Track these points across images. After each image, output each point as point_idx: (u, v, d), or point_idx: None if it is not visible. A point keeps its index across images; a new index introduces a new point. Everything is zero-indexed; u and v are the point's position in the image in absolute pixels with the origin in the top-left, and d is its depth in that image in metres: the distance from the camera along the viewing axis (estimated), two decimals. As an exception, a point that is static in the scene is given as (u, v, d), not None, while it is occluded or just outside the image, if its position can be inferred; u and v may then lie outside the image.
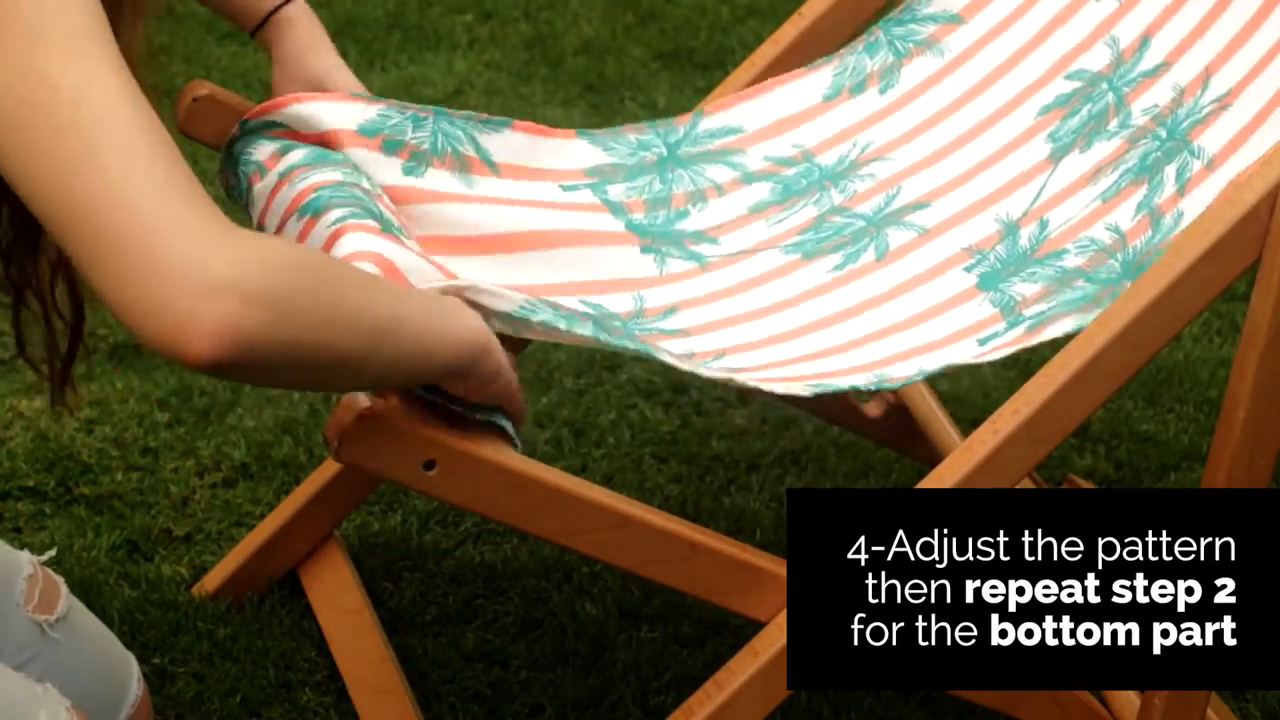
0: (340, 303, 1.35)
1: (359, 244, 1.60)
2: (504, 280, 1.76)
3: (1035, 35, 1.97)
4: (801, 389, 1.65)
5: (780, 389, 1.65)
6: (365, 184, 1.73)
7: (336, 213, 1.65)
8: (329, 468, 2.08)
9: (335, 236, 1.61)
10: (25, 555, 1.72)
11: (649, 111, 3.16)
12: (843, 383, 1.69)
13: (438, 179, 1.84)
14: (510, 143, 1.89)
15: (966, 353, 1.74)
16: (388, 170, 1.80)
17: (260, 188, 1.73)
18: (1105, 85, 1.90)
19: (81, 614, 1.74)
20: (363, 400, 1.47)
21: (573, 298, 1.81)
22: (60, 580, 1.73)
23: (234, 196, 1.80)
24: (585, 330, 1.61)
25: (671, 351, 1.66)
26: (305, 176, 1.71)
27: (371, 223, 1.64)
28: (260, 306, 1.27)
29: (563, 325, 1.59)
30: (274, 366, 1.32)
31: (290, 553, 2.09)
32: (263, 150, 1.76)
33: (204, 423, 2.35)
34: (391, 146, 1.82)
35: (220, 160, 1.80)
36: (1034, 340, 1.72)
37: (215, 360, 1.27)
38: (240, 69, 3.18)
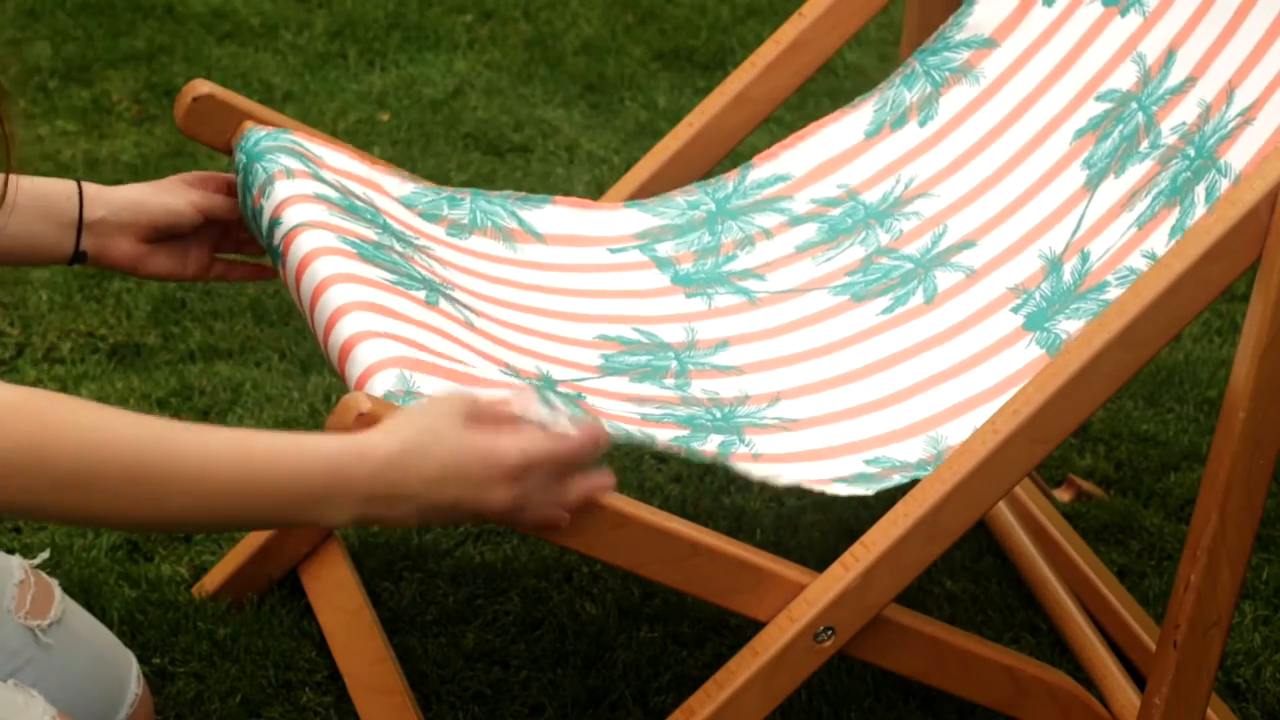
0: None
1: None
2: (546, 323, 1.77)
3: (1066, 56, 1.96)
4: (864, 489, 1.64)
5: (844, 491, 1.63)
6: (397, 247, 1.72)
7: (381, 271, 1.64)
8: (329, 468, 2.08)
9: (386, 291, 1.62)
10: (16, 560, 1.71)
11: (649, 111, 3.16)
12: (899, 458, 1.68)
13: (481, 244, 1.84)
14: (553, 217, 1.90)
15: None
16: (430, 234, 1.81)
17: (286, 184, 1.72)
18: (1135, 105, 1.88)
19: (77, 616, 1.73)
20: (363, 401, 1.47)
21: (626, 325, 1.81)
22: (55, 584, 1.72)
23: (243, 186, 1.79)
24: (667, 437, 1.62)
25: (734, 461, 1.65)
26: (342, 218, 1.70)
27: (417, 292, 1.63)
28: None
29: (639, 436, 1.60)
30: None
31: (290, 553, 2.09)
32: (292, 162, 1.76)
33: (204, 422, 2.35)
34: (430, 217, 1.82)
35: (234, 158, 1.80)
36: None
37: None
38: (240, 69, 3.17)
